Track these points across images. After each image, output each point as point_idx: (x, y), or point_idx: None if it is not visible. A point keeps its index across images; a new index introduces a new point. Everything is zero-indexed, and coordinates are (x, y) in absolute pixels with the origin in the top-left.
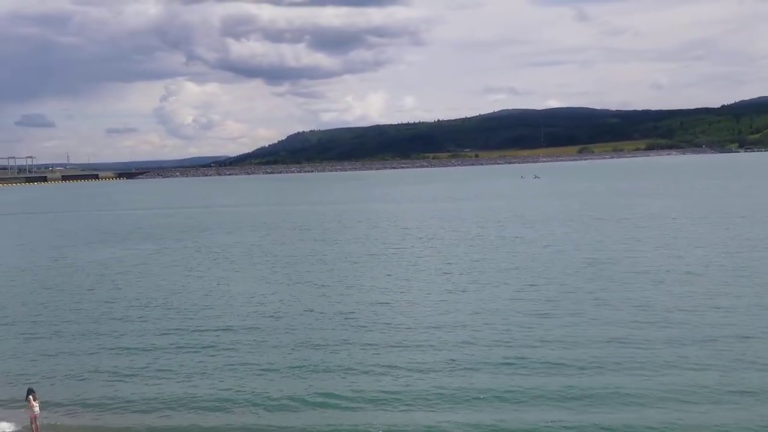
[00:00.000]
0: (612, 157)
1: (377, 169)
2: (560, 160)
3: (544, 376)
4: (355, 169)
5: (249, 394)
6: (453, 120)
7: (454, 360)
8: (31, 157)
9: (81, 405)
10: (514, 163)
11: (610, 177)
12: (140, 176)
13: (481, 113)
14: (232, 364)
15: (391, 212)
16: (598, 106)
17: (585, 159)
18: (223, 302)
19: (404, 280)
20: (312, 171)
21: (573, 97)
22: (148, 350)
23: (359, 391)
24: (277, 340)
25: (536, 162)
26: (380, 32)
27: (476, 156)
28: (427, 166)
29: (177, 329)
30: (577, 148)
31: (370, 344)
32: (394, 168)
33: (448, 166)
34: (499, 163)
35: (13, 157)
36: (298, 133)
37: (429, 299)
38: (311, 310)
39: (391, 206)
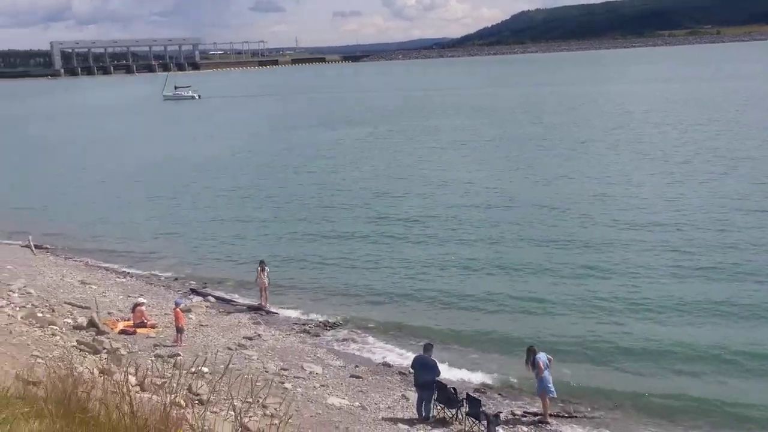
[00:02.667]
0: None
1: (606, 48)
2: None
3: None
4: (583, 49)
5: (443, 289)
6: None
7: (678, 264)
8: (262, 41)
9: (299, 288)
10: (762, 39)
11: None
12: (364, 59)
13: None
14: (440, 256)
15: (618, 95)
16: None
17: None
18: (429, 189)
19: (626, 169)
20: (536, 52)
21: None
22: (361, 237)
23: (563, 294)
24: (481, 232)
25: None
26: None
27: (718, 33)
28: (662, 45)
29: (381, 216)
30: None
31: (583, 240)
32: (625, 47)
33: (686, 44)
34: (744, 41)
35: (247, 42)
36: (522, 12)
37: (652, 191)
38: (521, 200)
39: (618, 88)
